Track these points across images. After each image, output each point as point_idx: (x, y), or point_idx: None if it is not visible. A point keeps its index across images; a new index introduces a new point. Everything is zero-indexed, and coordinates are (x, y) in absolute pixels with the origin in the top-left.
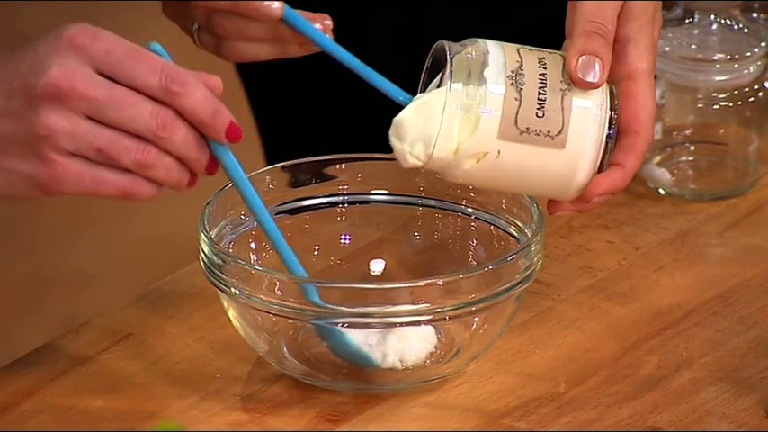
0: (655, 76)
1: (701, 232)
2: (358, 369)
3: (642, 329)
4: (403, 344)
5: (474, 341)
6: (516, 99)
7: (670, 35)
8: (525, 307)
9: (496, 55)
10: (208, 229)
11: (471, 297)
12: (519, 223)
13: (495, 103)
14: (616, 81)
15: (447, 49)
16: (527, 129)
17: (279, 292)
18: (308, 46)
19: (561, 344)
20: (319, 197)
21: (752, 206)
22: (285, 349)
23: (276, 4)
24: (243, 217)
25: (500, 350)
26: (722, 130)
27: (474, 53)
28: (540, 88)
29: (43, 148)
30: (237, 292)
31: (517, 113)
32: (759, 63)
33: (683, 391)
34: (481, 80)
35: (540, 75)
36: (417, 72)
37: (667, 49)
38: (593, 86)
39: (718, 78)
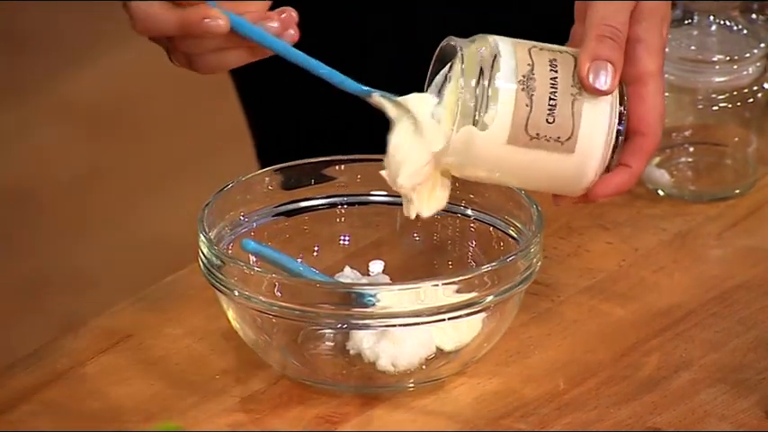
0: None
1: (701, 233)
2: (358, 371)
3: (641, 330)
4: (396, 348)
5: (474, 342)
6: (527, 105)
7: (669, 36)
8: (524, 308)
9: (507, 57)
10: (207, 231)
11: (470, 298)
12: (518, 224)
13: (506, 110)
14: (625, 82)
15: (459, 49)
16: (537, 135)
17: (278, 293)
18: (261, 49)
19: (561, 345)
20: (318, 198)
21: (751, 207)
22: (285, 350)
23: (221, 21)
24: (242, 218)
25: (500, 351)
26: (721, 132)
27: (484, 54)
28: (551, 93)
29: None
30: (237, 294)
31: (528, 119)
32: (758, 64)
33: (682, 392)
34: (491, 84)
35: (552, 79)
36: (407, 71)
37: (667, 50)
38: (604, 93)
39: (717, 79)
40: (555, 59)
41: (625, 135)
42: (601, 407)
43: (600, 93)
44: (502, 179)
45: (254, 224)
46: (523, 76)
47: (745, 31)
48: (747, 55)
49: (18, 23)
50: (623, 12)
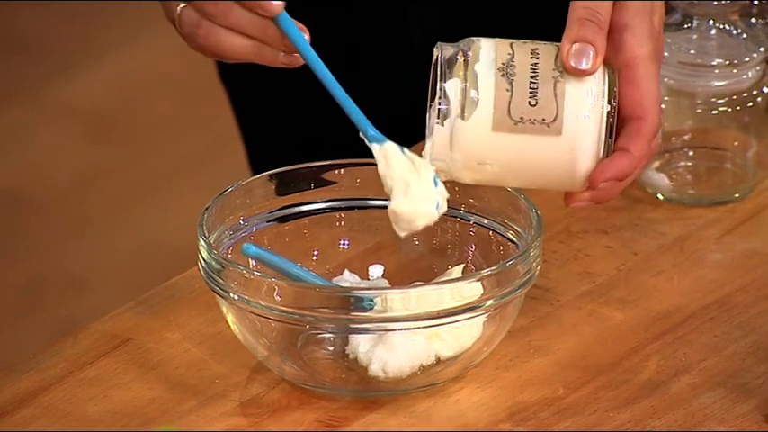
0: None
1: (700, 237)
2: (357, 375)
3: (641, 334)
4: (389, 354)
5: (473, 347)
6: (507, 90)
7: (669, 40)
8: (524, 312)
9: (488, 50)
10: (206, 235)
11: (470, 302)
12: (518, 228)
13: (487, 96)
14: (616, 69)
15: (439, 50)
16: (521, 118)
17: (277, 297)
18: (292, 57)
19: (560, 349)
20: (318, 202)
21: (750, 211)
22: (284, 354)
23: (278, 2)
24: (242, 222)
25: (499, 355)
26: (721, 136)
27: (467, 52)
28: (531, 78)
29: None
30: (236, 298)
31: (510, 103)
32: (757, 68)
33: (681, 396)
34: (472, 75)
35: (532, 65)
36: (403, 78)
37: (666, 54)
38: (586, 74)
39: (716, 83)
40: (537, 49)
41: (621, 120)
42: (600, 411)
43: (581, 73)
44: (496, 176)
45: (254, 228)
46: (503, 64)
47: (744, 36)
48: (747, 59)
49: (18, 27)
50: None
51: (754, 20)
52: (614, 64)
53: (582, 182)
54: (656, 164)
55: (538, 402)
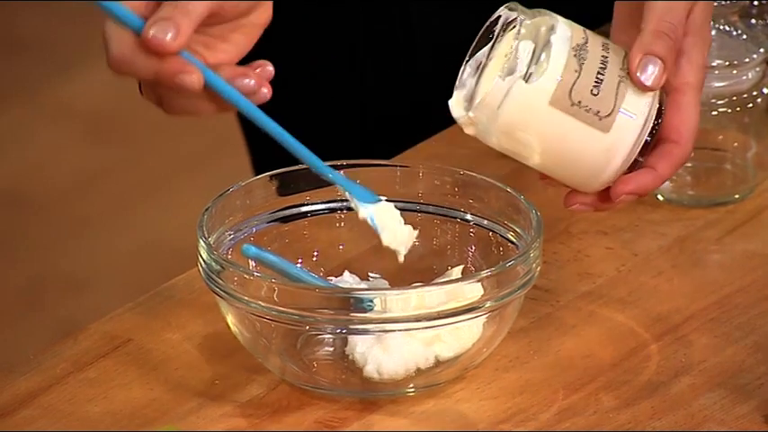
0: None
1: (700, 238)
2: (356, 375)
3: (641, 335)
4: (385, 355)
5: (473, 348)
6: (576, 71)
7: None
8: (524, 313)
9: (564, 27)
10: (206, 236)
11: (470, 303)
12: (517, 229)
13: (555, 69)
14: (665, 91)
15: (518, 10)
16: (579, 102)
17: (277, 299)
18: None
19: (560, 350)
20: (318, 203)
21: (750, 212)
22: (284, 355)
23: (194, 77)
24: (241, 223)
25: (499, 356)
26: (721, 137)
27: (543, 19)
28: (600, 68)
29: None
30: (236, 298)
31: (574, 84)
32: (757, 69)
33: (681, 396)
34: (546, 45)
35: (603, 56)
36: (404, 78)
37: None
38: (649, 89)
39: (716, 84)
40: (607, 44)
41: (656, 141)
42: (600, 412)
43: (645, 87)
44: (526, 149)
45: (254, 229)
46: (577, 45)
47: (744, 36)
48: (747, 60)
49: (18, 27)
50: (682, 11)
51: (753, 21)
52: (665, 85)
53: (600, 185)
54: None
55: (538, 403)
